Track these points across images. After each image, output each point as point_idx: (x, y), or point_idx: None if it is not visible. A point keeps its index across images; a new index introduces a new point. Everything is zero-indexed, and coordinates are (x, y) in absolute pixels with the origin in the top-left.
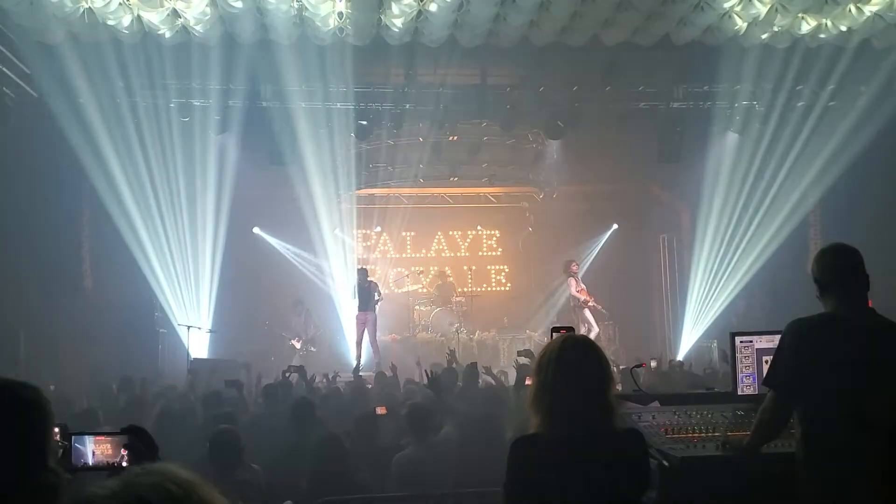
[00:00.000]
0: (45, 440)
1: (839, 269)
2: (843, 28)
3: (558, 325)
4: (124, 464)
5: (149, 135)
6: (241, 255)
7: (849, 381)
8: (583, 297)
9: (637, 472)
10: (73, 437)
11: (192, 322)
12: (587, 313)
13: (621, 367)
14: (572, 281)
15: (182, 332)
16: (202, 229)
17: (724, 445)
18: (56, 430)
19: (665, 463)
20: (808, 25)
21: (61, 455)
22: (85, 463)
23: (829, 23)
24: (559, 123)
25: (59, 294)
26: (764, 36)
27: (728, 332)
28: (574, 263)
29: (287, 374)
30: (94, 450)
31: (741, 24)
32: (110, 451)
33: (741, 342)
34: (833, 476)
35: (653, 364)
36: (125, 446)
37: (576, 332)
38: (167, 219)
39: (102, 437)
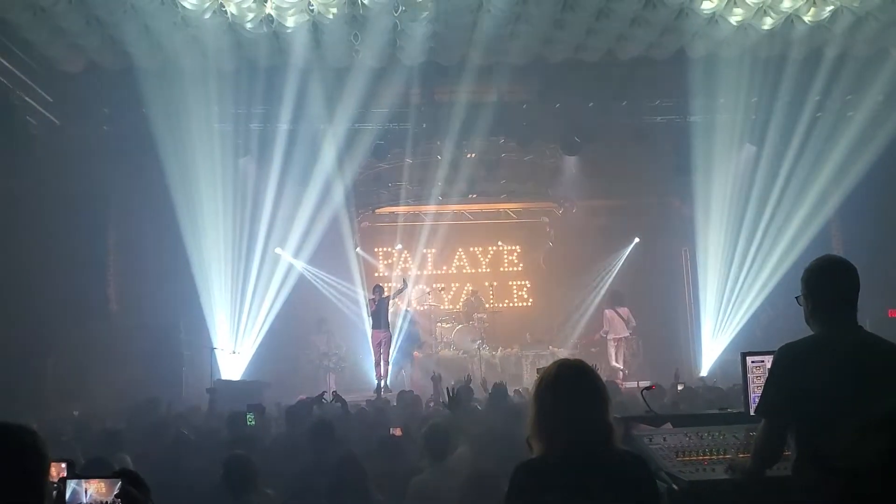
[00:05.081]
0: (41, 483)
1: (830, 286)
2: (861, 39)
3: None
4: None
5: (171, 158)
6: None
7: (840, 404)
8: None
9: (641, 494)
10: (67, 480)
11: (225, 343)
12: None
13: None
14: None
15: (209, 353)
16: (235, 251)
17: (732, 469)
18: (53, 469)
19: (675, 486)
20: (824, 36)
21: (56, 496)
22: (80, 503)
23: (846, 33)
24: (576, 139)
25: (86, 318)
26: (780, 47)
27: (752, 344)
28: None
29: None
30: (88, 490)
31: (757, 37)
32: (104, 492)
33: (753, 362)
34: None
35: (679, 387)
36: (118, 494)
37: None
38: (191, 242)
39: (96, 480)
